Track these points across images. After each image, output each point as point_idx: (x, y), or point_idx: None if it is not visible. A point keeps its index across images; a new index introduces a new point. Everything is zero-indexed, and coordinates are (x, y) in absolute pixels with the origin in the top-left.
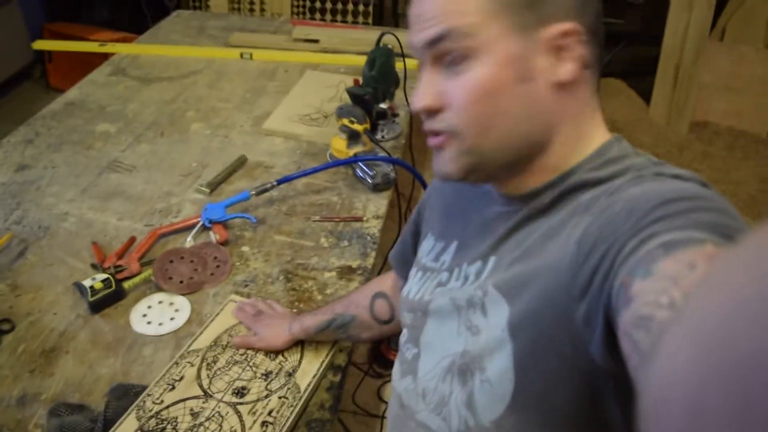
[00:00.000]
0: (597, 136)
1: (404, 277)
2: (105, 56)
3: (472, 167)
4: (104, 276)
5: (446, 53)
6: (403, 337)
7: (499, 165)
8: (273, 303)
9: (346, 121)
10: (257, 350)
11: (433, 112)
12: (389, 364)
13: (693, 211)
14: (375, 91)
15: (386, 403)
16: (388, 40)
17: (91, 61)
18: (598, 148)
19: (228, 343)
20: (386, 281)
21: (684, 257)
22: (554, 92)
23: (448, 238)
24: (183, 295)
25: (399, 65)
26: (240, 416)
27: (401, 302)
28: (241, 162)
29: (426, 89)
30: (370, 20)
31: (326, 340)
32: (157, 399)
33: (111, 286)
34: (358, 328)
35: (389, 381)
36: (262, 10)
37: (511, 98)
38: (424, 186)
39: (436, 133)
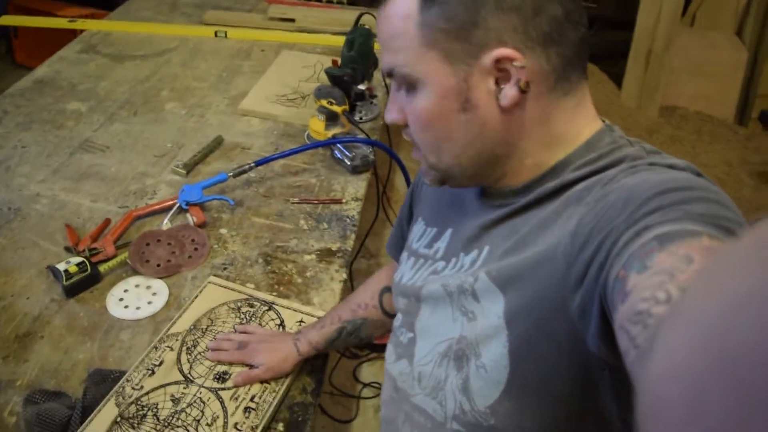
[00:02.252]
0: (584, 128)
1: None
2: (73, 33)
3: (441, 179)
4: (79, 259)
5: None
6: (397, 321)
7: (465, 176)
8: (248, 327)
9: (324, 102)
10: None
11: (401, 125)
12: (365, 346)
13: (688, 202)
14: (353, 72)
15: (362, 383)
16: (367, 20)
17: (60, 38)
18: (588, 140)
19: (208, 327)
20: (388, 273)
21: (680, 251)
22: (502, 114)
23: (441, 224)
24: (160, 278)
25: (377, 46)
26: (222, 402)
27: (393, 287)
28: (218, 143)
29: (392, 105)
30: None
31: (336, 349)
32: (137, 385)
33: (86, 270)
34: (370, 329)
35: (365, 362)
36: None
37: (456, 126)
38: (402, 167)
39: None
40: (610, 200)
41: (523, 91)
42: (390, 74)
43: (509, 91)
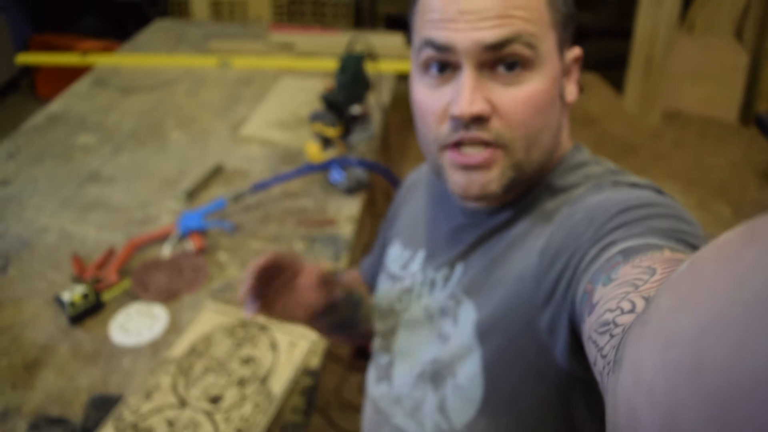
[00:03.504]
0: (564, 143)
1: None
2: (91, 66)
3: (512, 184)
4: (83, 288)
5: (505, 58)
6: (376, 343)
7: (525, 181)
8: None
9: (319, 126)
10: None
11: (481, 119)
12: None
13: (650, 218)
14: (347, 95)
15: None
16: (360, 43)
17: (78, 71)
18: (562, 157)
19: (203, 351)
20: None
21: (643, 263)
22: (563, 110)
23: (415, 246)
24: (161, 303)
25: (372, 68)
26: (215, 424)
27: (373, 310)
28: (218, 169)
29: (475, 94)
30: (348, 22)
31: (327, 325)
32: (134, 408)
33: (90, 298)
34: (365, 312)
35: None
36: (244, 15)
37: (554, 113)
38: (396, 186)
39: (474, 145)
40: (576, 219)
41: (580, 90)
42: (503, 45)
43: (573, 88)
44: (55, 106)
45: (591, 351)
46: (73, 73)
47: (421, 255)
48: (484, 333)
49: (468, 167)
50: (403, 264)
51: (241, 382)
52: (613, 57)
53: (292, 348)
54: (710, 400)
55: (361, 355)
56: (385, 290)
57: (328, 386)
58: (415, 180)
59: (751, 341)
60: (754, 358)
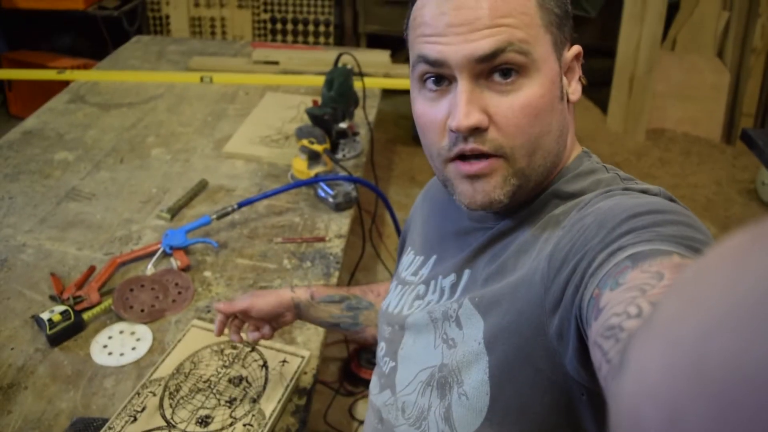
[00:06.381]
0: (572, 148)
1: None
2: (66, 84)
3: (516, 190)
4: (63, 308)
5: (499, 67)
6: (381, 350)
7: (532, 187)
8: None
9: (305, 142)
10: (247, 317)
11: (479, 130)
12: (360, 382)
13: (660, 225)
14: (334, 111)
15: (358, 421)
16: (346, 60)
17: (52, 89)
18: (569, 164)
19: (191, 370)
20: None
21: (651, 268)
22: (567, 110)
23: (427, 252)
24: (144, 323)
25: (357, 84)
26: None
27: (380, 315)
28: (202, 186)
29: (471, 105)
30: (331, 40)
31: (324, 320)
32: None
33: (70, 318)
34: (368, 319)
35: (360, 399)
36: (224, 33)
37: (555, 117)
38: (386, 203)
39: (476, 156)
40: (585, 223)
41: (583, 86)
42: (494, 55)
43: (577, 86)
44: (31, 122)
45: (596, 356)
46: (48, 92)
47: (431, 261)
48: (492, 340)
49: (472, 176)
50: (413, 270)
51: (231, 403)
52: (597, 76)
53: (284, 367)
54: (714, 401)
55: (349, 378)
56: (395, 296)
57: (313, 410)
58: (426, 190)
59: (756, 342)
60: (759, 359)
